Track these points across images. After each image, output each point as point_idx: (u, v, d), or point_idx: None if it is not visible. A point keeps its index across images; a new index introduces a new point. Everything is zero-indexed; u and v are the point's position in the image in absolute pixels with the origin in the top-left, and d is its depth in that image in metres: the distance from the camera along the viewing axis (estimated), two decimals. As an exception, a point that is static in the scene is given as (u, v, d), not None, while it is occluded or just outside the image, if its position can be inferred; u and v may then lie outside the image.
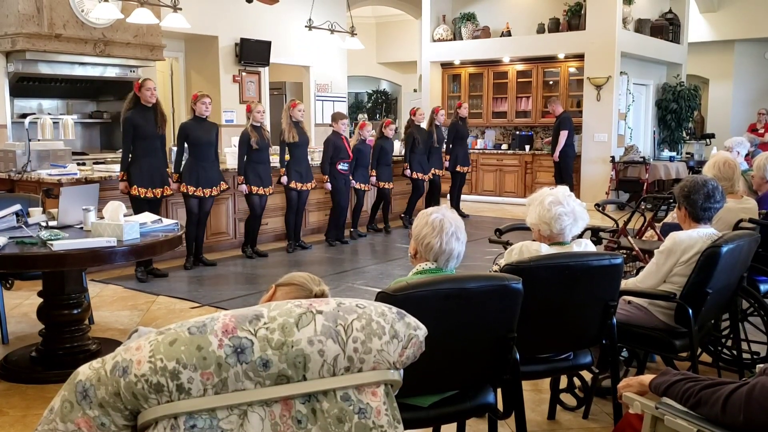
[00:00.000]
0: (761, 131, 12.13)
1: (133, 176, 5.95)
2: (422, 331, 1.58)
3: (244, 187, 6.87)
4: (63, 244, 3.48)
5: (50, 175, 6.12)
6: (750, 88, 14.29)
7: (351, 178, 7.99)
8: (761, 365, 1.78)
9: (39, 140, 6.59)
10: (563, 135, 10.08)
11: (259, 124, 6.87)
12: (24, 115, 7.32)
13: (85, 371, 1.41)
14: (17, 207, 4.03)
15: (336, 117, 7.85)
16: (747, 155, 6.55)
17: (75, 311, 3.94)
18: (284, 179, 7.24)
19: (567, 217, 2.88)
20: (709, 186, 3.19)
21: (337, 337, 1.45)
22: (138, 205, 5.70)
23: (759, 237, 3.38)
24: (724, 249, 2.98)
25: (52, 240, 3.52)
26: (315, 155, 8.44)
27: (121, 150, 6.25)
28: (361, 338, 1.48)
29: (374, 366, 1.50)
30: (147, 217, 4.11)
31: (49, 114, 7.91)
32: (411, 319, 1.57)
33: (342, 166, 7.71)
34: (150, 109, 5.93)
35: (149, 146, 5.97)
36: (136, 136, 5.90)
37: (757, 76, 14.28)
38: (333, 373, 1.46)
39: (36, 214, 4.15)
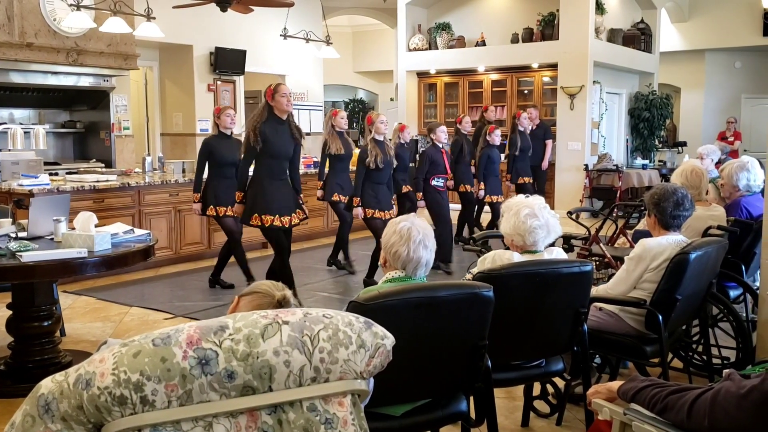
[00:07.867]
0: (731, 139, 12.35)
1: (266, 203, 4.99)
2: (390, 340, 1.58)
3: (359, 211, 5.94)
4: (33, 255, 3.44)
5: (21, 185, 6.03)
6: (720, 96, 14.53)
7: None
8: (727, 370, 1.80)
9: (10, 150, 6.51)
10: (550, 144, 10.09)
11: (382, 137, 5.99)
12: (-6, 125, 7.23)
13: (47, 384, 1.40)
14: (-14, 218, 3.97)
15: (433, 127, 6.91)
16: (717, 163, 6.66)
17: (45, 323, 3.89)
18: (319, 192, 6.80)
19: (541, 230, 2.93)
20: (679, 194, 3.23)
21: (303, 347, 1.45)
22: (275, 236, 5.08)
23: (727, 244, 3.44)
24: (693, 256, 3.02)
25: (21, 251, 3.47)
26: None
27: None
28: (328, 348, 1.47)
29: (341, 376, 1.49)
30: (118, 227, 4.07)
31: (21, 124, 7.80)
32: (378, 329, 1.58)
33: (436, 182, 6.81)
34: (284, 121, 4.99)
35: (280, 166, 5.02)
36: (266, 153, 4.91)
37: (727, 85, 14.52)
38: (299, 384, 1.45)
39: (5, 225, 4.09)
